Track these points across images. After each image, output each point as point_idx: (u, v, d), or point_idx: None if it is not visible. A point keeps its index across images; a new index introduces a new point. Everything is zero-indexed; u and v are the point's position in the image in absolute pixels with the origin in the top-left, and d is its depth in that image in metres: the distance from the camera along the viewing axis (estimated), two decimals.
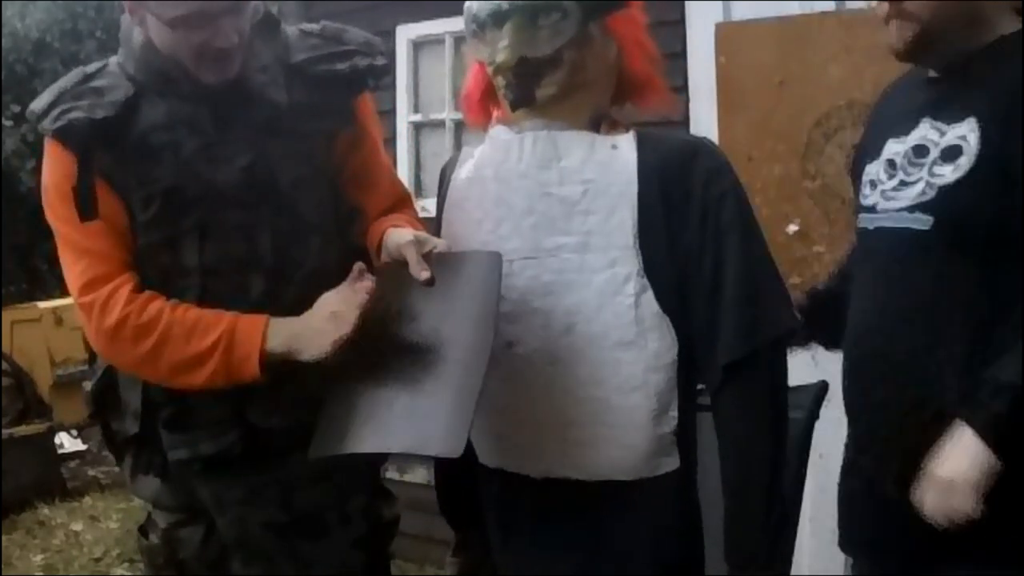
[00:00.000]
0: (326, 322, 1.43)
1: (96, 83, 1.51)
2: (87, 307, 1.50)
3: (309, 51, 1.58)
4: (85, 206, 1.48)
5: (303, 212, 1.55)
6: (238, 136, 1.51)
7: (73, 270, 1.52)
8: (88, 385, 1.66)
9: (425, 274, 1.40)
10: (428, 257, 1.42)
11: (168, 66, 1.49)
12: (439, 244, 1.44)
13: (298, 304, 1.52)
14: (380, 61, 1.61)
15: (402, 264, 1.44)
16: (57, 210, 1.52)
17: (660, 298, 1.39)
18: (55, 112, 1.48)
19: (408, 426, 1.35)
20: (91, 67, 1.56)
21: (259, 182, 1.51)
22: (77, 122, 1.46)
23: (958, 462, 1.27)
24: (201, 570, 1.61)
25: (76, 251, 1.51)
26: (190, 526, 1.61)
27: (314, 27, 1.64)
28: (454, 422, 1.31)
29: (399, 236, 1.47)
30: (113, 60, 1.56)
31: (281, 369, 1.46)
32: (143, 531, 1.69)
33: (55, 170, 1.51)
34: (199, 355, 1.45)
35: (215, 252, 1.50)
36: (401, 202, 1.69)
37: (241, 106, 1.51)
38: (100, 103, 1.48)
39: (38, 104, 1.51)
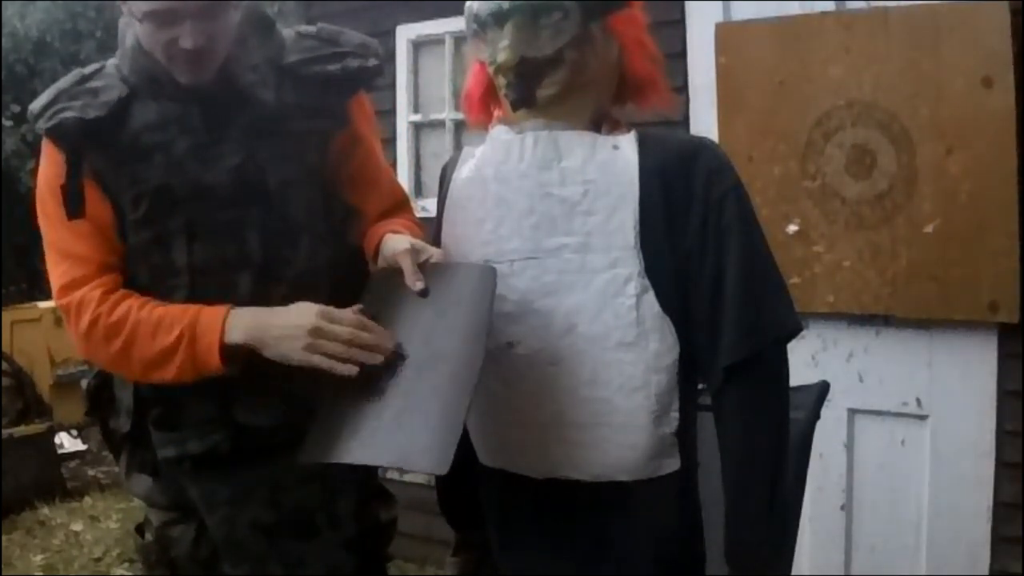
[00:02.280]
0: (302, 332, 1.40)
1: (92, 84, 1.53)
2: (65, 310, 1.52)
3: (303, 52, 1.58)
4: (73, 204, 1.50)
5: (293, 212, 1.55)
6: (228, 136, 1.51)
7: (55, 272, 1.53)
8: (85, 383, 1.67)
9: (420, 285, 1.41)
10: (423, 266, 1.42)
11: (157, 67, 1.49)
12: (435, 254, 1.44)
13: (288, 303, 1.52)
14: (372, 63, 1.61)
15: (397, 272, 1.44)
16: (46, 209, 1.53)
17: (661, 299, 1.39)
18: (49, 112, 1.50)
19: (395, 440, 1.34)
20: (89, 68, 1.57)
21: (248, 182, 1.52)
22: (67, 121, 1.48)
23: None
24: (193, 569, 1.61)
25: (59, 253, 1.53)
26: (182, 524, 1.61)
27: (311, 29, 1.64)
28: (441, 439, 1.30)
29: (396, 243, 1.47)
30: (111, 62, 1.57)
31: (252, 360, 1.46)
32: (139, 530, 1.69)
33: (47, 169, 1.53)
34: (164, 351, 1.45)
35: (204, 251, 1.51)
36: (399, 205, 1.69)
37: (231, 106, 1.52)
38: (93, 103, 1.49)
39: (37, 104, 1.52)
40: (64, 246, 1.52)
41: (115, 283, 1.51)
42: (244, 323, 1.44)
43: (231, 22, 1.48)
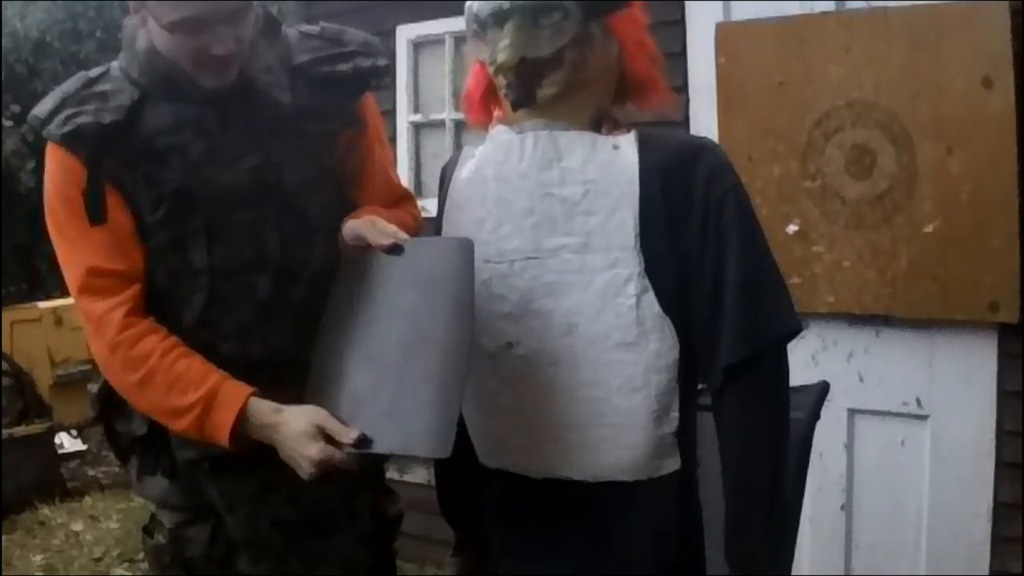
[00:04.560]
0: (307, 446, 1.38)
1: (100, 87, 1.50)
2: (84, 315, 1.50)
3: (311, 52, 1.58)
4: (95, 210, 1.48)
5: (309, 212, 1.55)
6: (244, 137, 1.51)
7: (71, 276, 1.50)
8: (93, 387, 1.65)
9: (386, 241, 1.41)
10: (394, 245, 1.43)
11: (173, 70, 1.48)
12: (395, 229, 1.44)
13: (305, 304, 1.53)
14: (382, 62, 1.62)
15: (367, 253, 1.45)
16: (58, 216, 1.50)
17: (661, 299, 1.39)
18: (60, 117, 1.47)
19: (393, 426, 1.34)
20: (93, 72, 1.55)
21: (266, 183, 1.52)
22: (86, 127, 1.45)
23: None
24: (208, 569, 1.61)
25: (74, 264, 1.50)
26: (197, 525, 1.61)
27: (314, 28, 1.64)
28: (439, 423, 1.30)
29: (353, 223, 1.48)
30: (115, 64, 1.55)
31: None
32: (147, 531, 1.69)
33: (59, 176, 1.49)
34: (176, 409, 1.45)
35: (223, 253, 1.50)
36: (400, 200, 1.69)
37: (247, 107, 1.51)
38: (106, 107, 1.47)
39: (41, 109, 1.49)
40: (80, 258, 1.49)
41: (136, 300, 1.48)
42: (260, 420, 1.43)
43: (251, 24, 1.49)
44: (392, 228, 1.45)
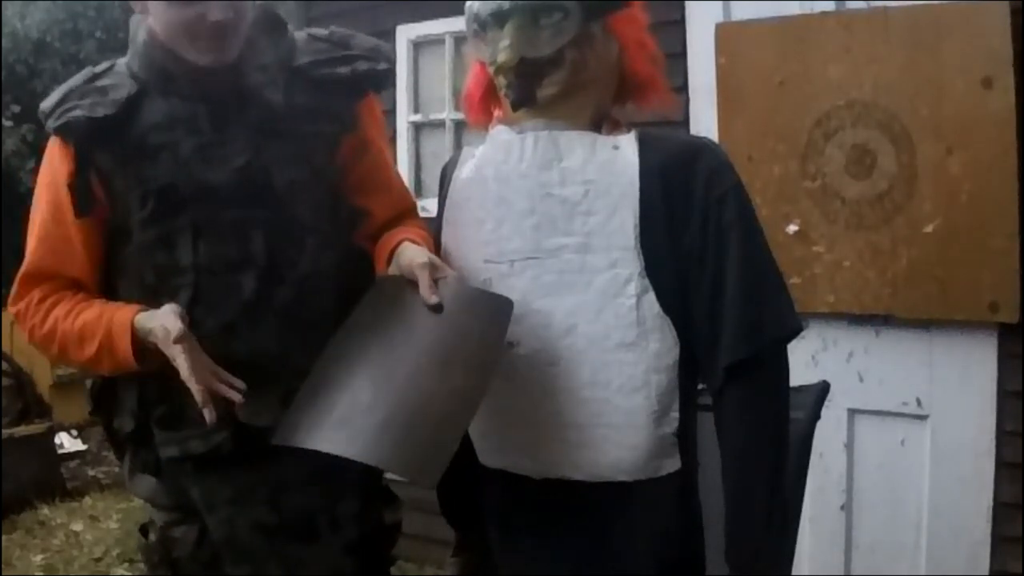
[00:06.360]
0: (172, 321, 1.42)
1: (101, 82, 1.53)
2: (15, 317, 1.59)
3: (314, 55, 1.58)
4: (81, 201, 1.51)
5: (298, 214, 1.55)
6: (235, 136, 1.51)
7: (24, 265, 1.58)
8: (88, 382, 1.67)
9: (434, 299, 1.40)
10: (437, 283, 1.42)
11: (169, 62, 1.49)
12: (450, 273, 1.44)
13: (291, 305, 1.53)
14: (382, 66, 1.62)
15: (408, 281, 1.44)
16: (39, 207, 1.56)
17: (661, 299, 1.39)
18: (59, 111, 1.50)
19: (383, 442, 1.32)
20: (100, 67, 1.57)
21: (254, 182, 1.52)
22: (76, 120, 1.48)
23: None
24: (195, 569, 1.60)
25: (31, 254, 1.57)
26: (184, 525, 1.60)
27: (323, 32, 1.64)
28: (433, 455, 1.28)
29: (413, 253, 1.46)
30: (121, 60, 1.57)
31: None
32: (144, 530, 1.69)
33: (50, 168, 1.53)
34: (92, 359, 1.51)
35: (209, 251, 1.51)
36: (408, 211, 1.69)
37: (238, 106, 1.52)
38: (102, 101, 1.50)
39: (47, 103, 1.53)
40: (35, 254, 1.56)
41: (54, 289, 1.55)
42: (146, 337, 1.45)
43: (248, 2, 1.49)
44: (451, 274, 1.44)
